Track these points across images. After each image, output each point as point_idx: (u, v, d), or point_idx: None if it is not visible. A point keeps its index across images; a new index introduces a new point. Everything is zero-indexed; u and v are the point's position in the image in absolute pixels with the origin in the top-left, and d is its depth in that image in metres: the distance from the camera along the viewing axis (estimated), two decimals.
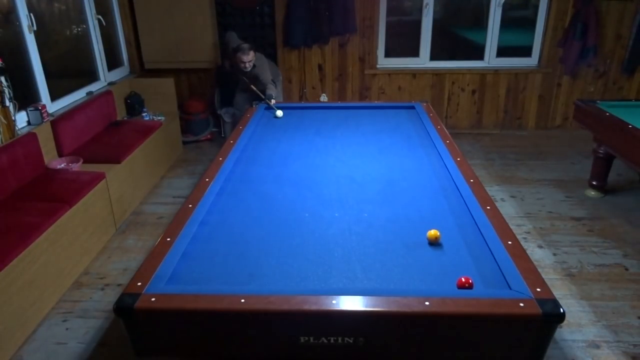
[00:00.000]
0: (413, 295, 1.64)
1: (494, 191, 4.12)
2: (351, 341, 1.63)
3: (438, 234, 2.02)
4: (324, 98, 5.43)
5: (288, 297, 1.64)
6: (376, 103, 4.69)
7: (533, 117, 5.52)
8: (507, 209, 3.81)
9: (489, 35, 5.29)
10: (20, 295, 2.56)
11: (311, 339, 1.63)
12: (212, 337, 1.70)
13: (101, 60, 4.75)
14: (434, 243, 2.02)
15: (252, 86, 4.28)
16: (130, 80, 5.12)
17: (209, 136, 5.51)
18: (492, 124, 5.57)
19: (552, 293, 1.64)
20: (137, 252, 3.37)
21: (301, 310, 1.59)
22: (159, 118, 4.86)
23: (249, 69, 4.34)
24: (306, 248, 2.02)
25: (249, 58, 4.29)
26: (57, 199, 3.07)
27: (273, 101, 4.06)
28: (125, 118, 4.88)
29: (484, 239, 2.00)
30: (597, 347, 2.47)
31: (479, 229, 2.08)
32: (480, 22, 5.35)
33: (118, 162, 3.78)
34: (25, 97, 3.60)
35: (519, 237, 2.68)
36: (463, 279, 1.73)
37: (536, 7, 5.17)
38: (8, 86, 3.25)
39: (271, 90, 4.19)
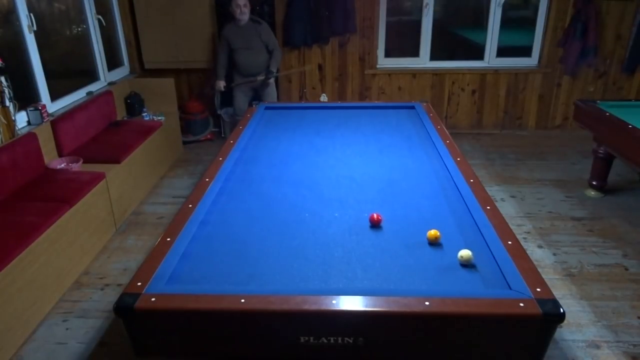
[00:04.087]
0: (413, 295, 1.63)
1: (494, 191, 4.12)
2: (351, 341, 1.63)
3: (438, 234, 2.02)
4: (324, 98, 5.43)
5: (288, 297, 1.64)
6: (376, 103, 4.69)
7: (533, 117, 5.52)
8: (507, 209, 3.81)
9: (489, 35, 5.29)
10: (20, 295, 2.57)
11: (311, 339, 1.63)
12: (212, 337, 1.70)
13: (101, 60, 4.75)
14: (434, 243, 2.02)
15: (255, 79, 4.56)
16: (130, 80, 5.12)
17: (209, 136, 5.51)
18: (492, 124, 5.57)
19: (552, 293, 1.64)
20: (137, 252, 3.37)
21: (301, 310, 1.59)
22: (159, 118, 4.86)
23: (246, 14, 4.48)
24: (306, 248, 2.02)
25: (243, 1, 4.43)
26: (57, 199, 3.07)
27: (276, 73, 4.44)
28: (125, 118, 4.88)
29: (484, 239, 2.00)
30: (597, 347, 2.47)
31: (479, 229, 2.08)
32: (480, 22, 5.35)
33: (118, 162, 3.78)
34: (25, 97, 3.59)
35: (519, 237, 2.69)
36: (375, 215, 2.09)
37: (536, 7, 5.17)
38: (8, 86, 3.25)
39: (273, 65, 4.63)
